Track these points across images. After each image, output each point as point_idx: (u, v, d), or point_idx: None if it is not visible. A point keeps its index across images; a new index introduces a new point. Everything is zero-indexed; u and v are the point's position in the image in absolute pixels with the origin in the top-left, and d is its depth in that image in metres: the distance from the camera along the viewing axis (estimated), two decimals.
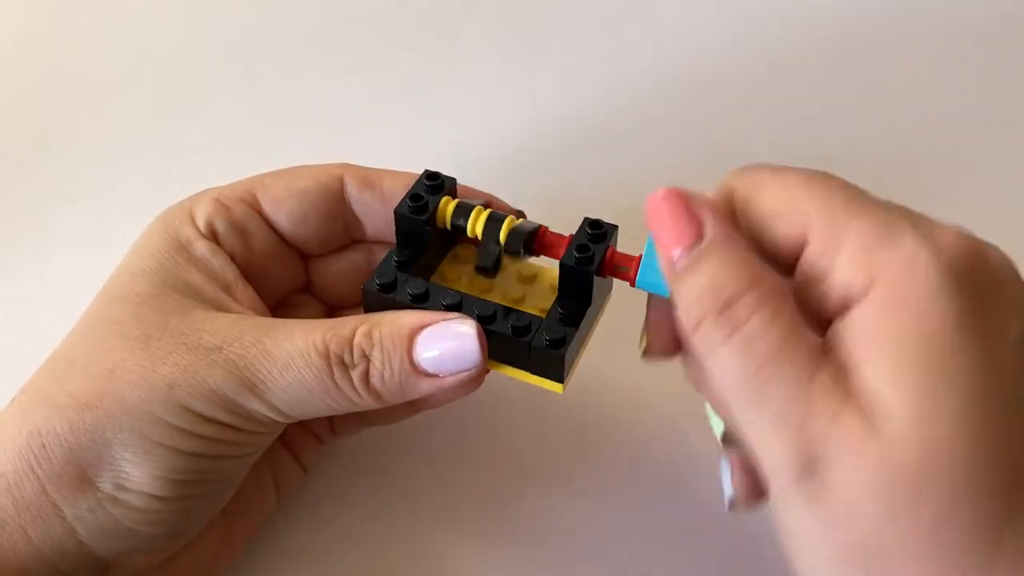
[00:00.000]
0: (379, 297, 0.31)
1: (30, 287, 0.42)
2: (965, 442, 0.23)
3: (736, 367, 0.25)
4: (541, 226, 0.31)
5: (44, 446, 0.29)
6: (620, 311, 0.33)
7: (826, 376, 0.24)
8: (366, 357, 0.30)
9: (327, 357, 0.29)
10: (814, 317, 0.26)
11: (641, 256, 0.30)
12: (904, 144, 0.46)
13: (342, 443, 0.37)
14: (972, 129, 0.46)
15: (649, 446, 0.37)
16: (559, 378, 0.30)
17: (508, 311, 0.30)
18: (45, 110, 0.48)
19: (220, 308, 0.31)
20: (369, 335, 0.30)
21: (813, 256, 0.26)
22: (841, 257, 0.25)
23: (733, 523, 0.35)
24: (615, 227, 0.30)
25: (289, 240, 0.34)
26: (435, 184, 0.32)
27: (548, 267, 0.33)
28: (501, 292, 0.32)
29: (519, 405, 0.38)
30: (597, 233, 0.30)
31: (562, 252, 0.30)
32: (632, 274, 0.30)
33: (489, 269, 0.31)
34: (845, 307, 0.25)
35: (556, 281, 0.32)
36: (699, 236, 0.26)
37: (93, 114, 0.48)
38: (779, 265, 0.27)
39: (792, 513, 0.25)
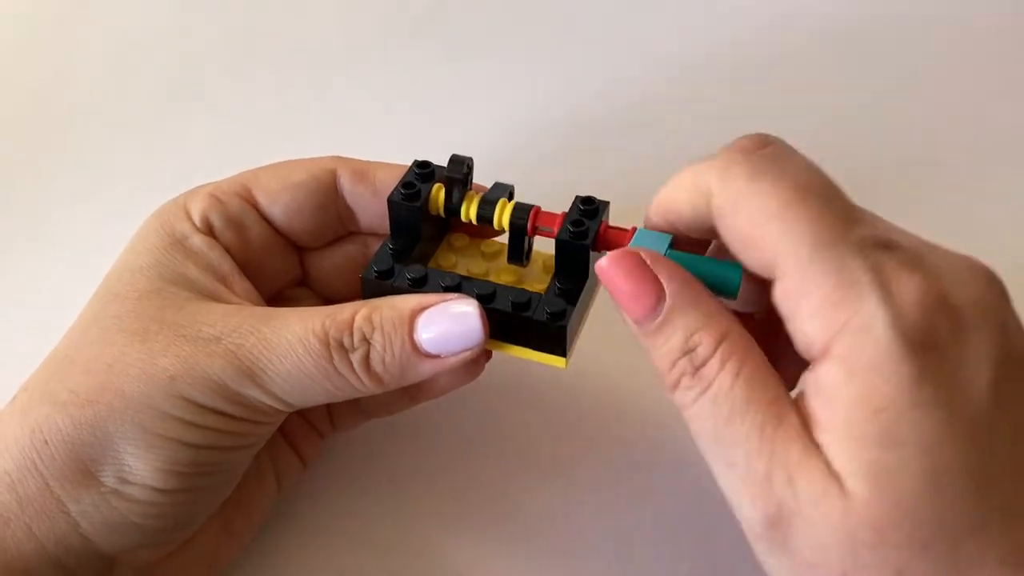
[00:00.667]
0: (378, 284, 0.31)
1: (30, 287, 0.42)
2: (921, 505, 0.24)
3: (707, 425, 0.26)
4: (534, 206, 0.32)
5: (47, 442, 0.29)
6: None
7: (790, 427, 0.25)
8: (366, 340, 0.30)
9: (326, 342, 0.29)
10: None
11: (635, 229, 0.30)
12: (903, 143, 0.46)
13: (341, 436, 0.38)
14: (974, 128, 0.46)
15: (654, 437, 0.38)
16: (562, 352, 0.30)
17: (507, 289, 0.30)
18: (43, 110, 0.48)
19: (217, 301, 0.31)
20: (369, 318, 0.30)
21: (780, 296, 0.26)
22: (803, 310, 0.25)
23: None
24: (606, 203, 0.31)
25: (284, 233, 0.35)
26: (426, 172, 0.32)
27: (541, 250, 0.33)
28: (496, 276, 0.33)
29: (520, 398, 0.39)
30: (589, 209, 0.31)
31: (556, 229, 0.31)
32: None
33: (521, 259, 0.32)
34: (809, 360, 0.26)
35: (550, 262, 0.32)
36: (660, 296, 0.27)
37: (92, 113, 0.48)
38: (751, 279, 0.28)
39: (764, 557, 0.26)
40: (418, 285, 0.31)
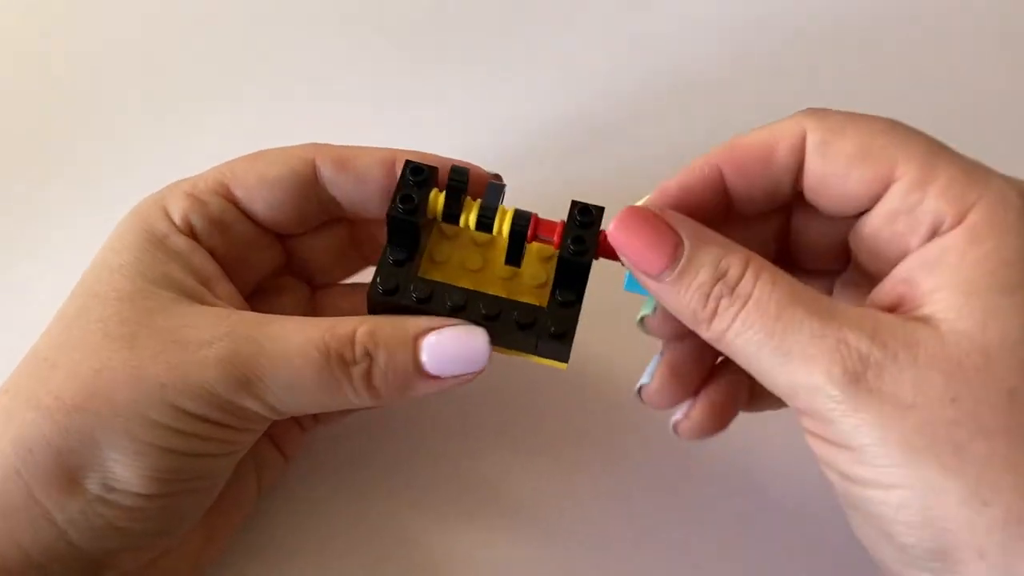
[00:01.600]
0: (384, 302, 0.31)
1: (28, 289, 0.41)
2: None
3: (753, 334, 0.26)
4: (532, 214, 0.31)
5: (31, 450, 0.28)
6: (618, 290, 0.33)
7: (845, 305, 0.26)
8: (368, 355, 0.29)
9: (327, 354, 0.29)
10: (887, 253, 0.28)
11: None
12: None
13: (324, 431, 0.37)
14: (976, 125, 0.46)
15: (646, 432, 0.38)
16: (564, 359, 0.31)
17: (512, 305, 0.30)
18: (41, 109, 0.46)
19: (198, 299, 0.31)
20: (372, 334, 0.29)
21: (901, 192, 0.27)
22: (932, 193, 0.26)
23: (730, 506, 0.36)
24: (602, 209, 0.31)
25: (266, 226, 0.34)
26: (421, 179, 0.31)
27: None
28: (494, 267, 0.32)
29: (508, 393, 0.38)
30: (587, 220, 0.30)
31: (556, 240, 0.30)
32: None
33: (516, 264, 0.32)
34: (931, 237, 0.27)
35: (544, 250, 0.32)
36: (677, 241, 0.27)
37: (90, 113, 0.46)
38: (844, 208, 0.28)
39: (847, 423, 0.25)
40: (424, 303, 0.30)
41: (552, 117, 0.46)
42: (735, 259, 0.27)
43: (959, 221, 0.26)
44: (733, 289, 0.27)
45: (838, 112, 0.29)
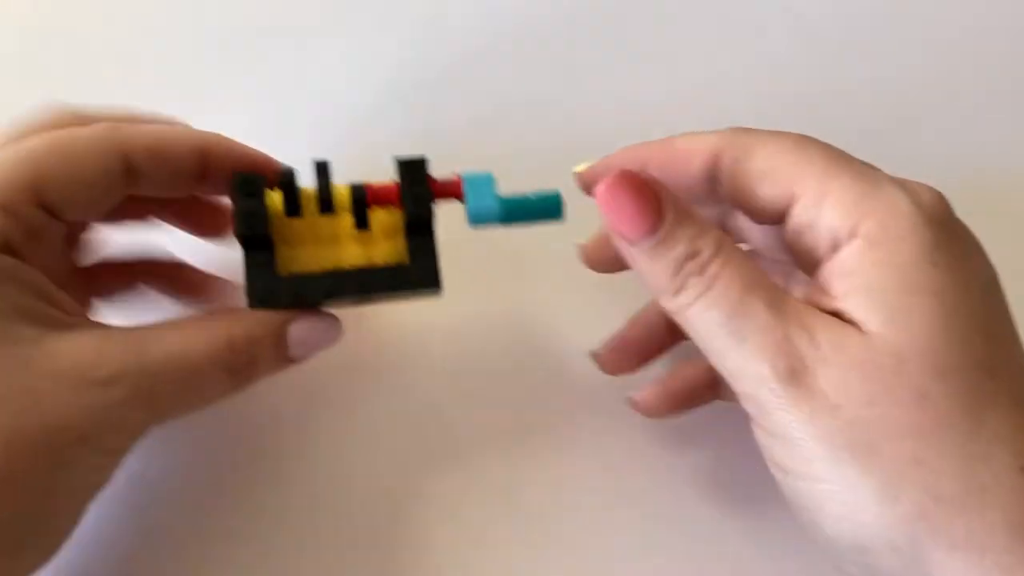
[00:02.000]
0: (260, 308, 0.32)
1: None
2: (934, 340, 0.26)
3: (713, 314, 0.28)
4: (365, 184, 0.32)
5: None
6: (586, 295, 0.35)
7: (797, 301, 0.28)
8: (254, 360, 0.31)
9: (218, 366, 0.30)
10: (806, 261, 0.30)
11: (459, 177, 0.32)
12: (899, 141, 0.44)
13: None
14: (977, 124, 0.46)
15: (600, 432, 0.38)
16: (438, 294, 0.33)
17: (378, 272, 0.32)
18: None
19: (56, 323, 0.29)
20: (250, 338, 0.31)
21: (803, 208, 0.29)
22: (827, 207, 0.28)
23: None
24: (423, 160, 0.32)
25: (68, 221, 0.32)
26: (252, 189, 0.31)
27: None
28: (345, 227, 0.33)
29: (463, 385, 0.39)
30: (418, 176, 0.32)
31: (396, 201, 0.32)
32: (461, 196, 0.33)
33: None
34: (834, 249, 0.28)
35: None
36: (661, 212, 0.28)
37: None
38: (763, 219, 0.30)
39: (780, 414, 0.27)
40: (300, 298, 0.32)
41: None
42: (709, 240, 0.28)
43: (855, 233, 0.28)
44: (703, 269, 0.28)
45: (753, 131, 0.30)
